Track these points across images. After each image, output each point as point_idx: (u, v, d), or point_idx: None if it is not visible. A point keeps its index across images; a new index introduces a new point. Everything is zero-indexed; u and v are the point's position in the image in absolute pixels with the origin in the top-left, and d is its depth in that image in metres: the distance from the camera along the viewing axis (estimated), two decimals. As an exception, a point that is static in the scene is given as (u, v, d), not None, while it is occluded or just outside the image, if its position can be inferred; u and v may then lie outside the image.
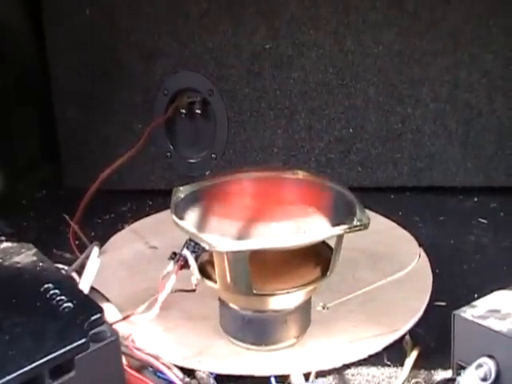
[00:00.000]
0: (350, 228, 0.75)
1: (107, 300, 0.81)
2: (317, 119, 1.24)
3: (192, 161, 1.27)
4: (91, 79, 1.25)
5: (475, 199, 1.22)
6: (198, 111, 1.25)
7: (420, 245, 1.04)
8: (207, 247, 0.73)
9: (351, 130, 1.24)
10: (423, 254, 1.01)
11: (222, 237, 0.74)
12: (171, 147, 1.27)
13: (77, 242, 1.06)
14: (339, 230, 0.75)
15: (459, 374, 0.67)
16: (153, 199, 1.24)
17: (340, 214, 0.78)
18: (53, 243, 1.05)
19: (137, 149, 1.17)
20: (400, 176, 1.24)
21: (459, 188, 1.24)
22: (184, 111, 1.26)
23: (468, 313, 0.69)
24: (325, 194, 0.83)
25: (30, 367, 0.57)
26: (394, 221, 1.12)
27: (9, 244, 0.77)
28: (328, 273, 0.79)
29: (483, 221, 1.14)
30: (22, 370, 0.57)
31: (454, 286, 0.94)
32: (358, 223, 0.76)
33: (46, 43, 1.24)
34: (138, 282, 0.93)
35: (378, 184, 1.25)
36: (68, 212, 1.12)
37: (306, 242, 0.75)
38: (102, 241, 1.05)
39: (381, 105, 1.23)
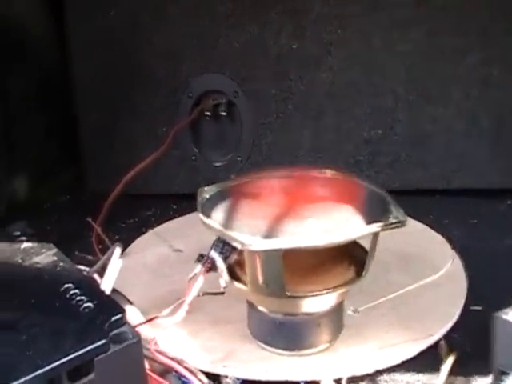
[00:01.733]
0: (386, 225, 0.72)
1: (130, 302, 0.79)
2: (345, 120, 1.21)
3: (217, 164, 1.25)
4: (114, 81, 1.23)
5: (508, 202, 1.18)
6: (224, 113, 1.23)
7: (453, 248, 1.00)
8: (239, 246, 0.69)
9: (380, 131, 1.21)
10: (456, 257, 0.97)
11: (252, 235, 0.70)
12: (196, 150, 1.25)
13: (100, 247, 1.03)
14: (376, 227, 0.72)
15: (501, 381, 0.63)
16: (177, 203, 1.22)
17: (375, 212, 0.74)
18: (75, 247, 1.03)
19: (161, 151, 1.15)
20: (430, 178, 1.21)
21: (492, 190, 1.19)
22: (209, 113, 1.23)
23: (510, 315, 0.65)
24: (357, 192, 0.79)
25: (47, 368, 0.54)
26: (424, 224, 1.08)
27: (29, 244, 0.75)
28: (363, 273, 0.76)
29: (518, 224, 1.10)
30: (38, 372, 0.54)
31: (489, 290, 0.91)
32: (395, 220, 0.72)
33: (70, 44, 1.22)
34: (162, 286, 0.91)
35: (408, 187, 1.21)
36: (91, 216, 1.11)
37: (344, 239, 0.71)
38: (126, 245, 1.03)
39: (410, 105, 1.19)
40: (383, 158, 1.21)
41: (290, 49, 1.20)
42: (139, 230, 1.13)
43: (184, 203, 1.20)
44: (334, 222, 0.72)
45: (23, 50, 1.20)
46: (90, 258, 0.98)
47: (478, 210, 1.16)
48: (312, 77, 1.20)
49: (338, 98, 1.21)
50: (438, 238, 1.03)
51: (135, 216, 1.20)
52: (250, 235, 0.70)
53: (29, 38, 1.22)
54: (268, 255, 0.70)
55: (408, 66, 1.18)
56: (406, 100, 1.20)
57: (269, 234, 0.71)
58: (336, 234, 0.71)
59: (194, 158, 1.25)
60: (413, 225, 1.06)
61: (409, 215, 1.05)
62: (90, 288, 0.66)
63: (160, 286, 0.91)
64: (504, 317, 0.65)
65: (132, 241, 1.08)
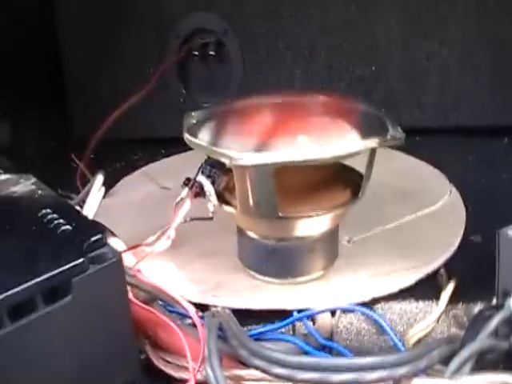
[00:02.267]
0: (383, 141, 0.68)
1: (113, 234, 0.75)
2: (337, 58, 1.17)
3: (206, 105, 1.20)
4: (99, 22, 1.19)
5: (505, 139, 1.15)
6: (212, 53, 1.19)
7: (450, 182, 0.97)
8: (228, 162, 0.65)
9: (373, 69, 1.17)
10: (454, 190, 0.94)
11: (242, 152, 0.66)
12: (184, 92, 1.21)
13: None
14: (373, 142, 0.68)
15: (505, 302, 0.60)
16: (166, 147, 1.18)
17: (371, 130, 0.70)
18: (59, 187, 0.98)
19: (146, 91, 1.11)
20: (425, 116, 1.17)
21: (488, 128, 1.15)
22: (197, 53, 1.19)
23: (516, 231, 0.62)
24: (352, 111, 0.75)
25: (18, 289, 0.51)
26: (421, 160, 1.05)
27: (7, 176, 0.71)
28: (360, 194, 0.72)
29: (516, 159, 1.07)
30: (8, 292, 0.50)
31: (488, 222, 0.86)
32: (392, 137, 0.68)
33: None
34: (148, 221, 0.86)
35: (402, 125, 1.16)
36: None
37: (340, 153, 0.67)
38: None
39: (405, 42, 1.16)
40: (377, 95, 1.18)
41: (280, -15, 1.15)
42: (126, 174, 1.09)
43: (172, 146, 1.16)
44: (329, 138, 0.68)
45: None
46: (73, 195, 0.94)
47: (475, 148, 1.13)
48: (304, 14, 1.16)
49: (330, 35, 1.17)
50: (434, 172, 1.00)
51: (122, 160, 1.16)
52: (239, 151, 0.66)
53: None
54: (259, 171, 0.66)
55: (403, 1, 1.14)
56: (400, 37, 1.16)
57: (259, 150, 0.66)
58: (333, 148, 0.66)
59: (182, 100, 1.21)
60: (408, 159, 1.03)
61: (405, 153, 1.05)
62: (69, 212, 0.63)
63: (146, 222, 0.87)
64: (509, 232, 0.61)
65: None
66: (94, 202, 0.72)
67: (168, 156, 1.14)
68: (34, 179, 0.70)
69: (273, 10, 1.16)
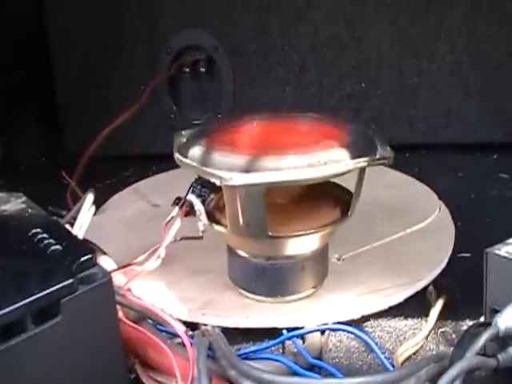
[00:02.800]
0: (372, 160, 0.68)
1: (103, 253, 0.75)
2: (327, 75, 1.18)
3: (197, 122, 1.21)
4: (91, 39, 1.19)
5: (495, 156, 1.15)
6: (203, 69, 1.19)
7: (439, 198, 0.97)
8: (218, 182, 0.66)
9: (364, 86, 1.17)
10: (443, 206, 0.94)
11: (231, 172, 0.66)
12: (175, 108, 1.21)
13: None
14: (362, 161, 0.68)
15: (493, 319, 0.60)
16: (156, 164, 1.18)
17: (360, 149, 0.71)
18: (50, 205, 0.98)
19: (137, 107, 1.11)
20: (415, 133, 1.18)
21: (478, 145, 1.16)
22: (188, 70, 1.19)
23: (502, 250, 0.62)
24: (342, 130, 0.75)
25: (8, 309, 0.51)
26: (411, 176, 1.05)
27: (-3, 194, 0.71)
28: (349, 213, 0.73)
29: (505, 176, 1.08)
30: (-1, 313, 0.50)
31: (477, 238, 0.87)
32: (381, 156, 0.69)
33: (44, 1, 1.17)
34: (139, 239, 0.87)
35: (392, 142, 1.16)
36: (68, 177, 1.06)
37: (330, 173, 0.67)
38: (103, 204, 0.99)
39: (395, 58, 1.17)
40: (367, 113, 1.18)
41: (270, 2, 1.16)
42: (117, 190, 1.09)
43: (163, 163, 1.15)
44: (319, 158, 0.68)
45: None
46: (63, 212, 0.94)
47: (464, 164, 1.14)
48: (294, 30, 1.17)
49: (320, 51, 1.17)
50: (424, 189, 1.01)
51: (113, 176, 1.16)
52: (228, 171, 0.66)
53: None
54: (249, 191, 0.67)
55: (392, 18, 1.15)
56: (390, 53, 1.16)
57: (249, 170, 0.66)
58: (322, 169, 0.67)
59: (172, 116, 1.22)
60: (398, 176, 1.04)
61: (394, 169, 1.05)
62: (59, 232, 0.63)
63: (136, 240, 0.87)
64: (496, 252, 0.62)
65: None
66: (84, 221, 0.72)
67: (159, 172, 1.14)
68: (24, 198, 0.70)
69: (263, 27, 1.17)
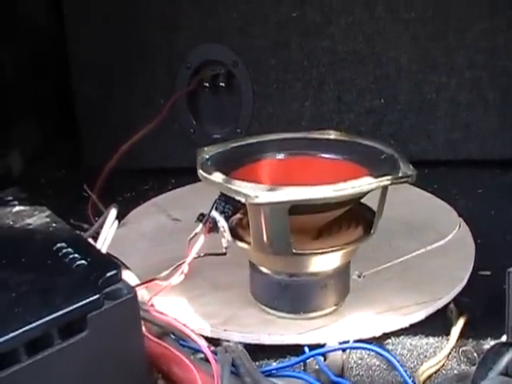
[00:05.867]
0: (395, 179, 0.69)
1: (126, 267, 0.75)
2: (347, 90, 1.18)
3: (216, 136, 1.21)
4: (111, 53, 1.20)
5: (514, 173, 1.15)
6: (222, 84, 1.20)
7: (459, 215, 0.97)
8: (243, 200, 0.66)
9: (383, 101, 1.18)
10: (463, 224, 0.94)
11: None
12: (194, 123, 1.22)
13: (96, 219, 1.00)
14: (385, 180, 0.69)
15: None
16: (175, 177, 1.19)
17: (383, 168, 0.71)
18: (71, 217, 0.99)
19: (157, 122, 1.12)
20: (434, 149, 1.18)
21: (497, 161, 1.16)
22: (207, 84, 1.20)
23: (525, 270, 0.62)
24: (364, 150, 0.76)
25: (35, 324, 0.51)
26: (430, 193, 1.05)
27: (21, 207, 0.72)
28: (372, 231, 0.73)
29: (525, 193, 1.07)
30: (26, 327, 0.51)
31: (497, 256, 0.88)
32: (403, 175, 0.69)
33: (64, 15, 1.19)
34: (160, 254, 0.87)
35: (411, 158, 1.15)
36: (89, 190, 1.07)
37: (354, 191, 0.67)
38: (124, 217, 1.00)
39: (414, 74, 1.17)
40: (386, 128, 1.19)
41: (290, 17, 1.16)
42: (137, 204, 1.09)
43: (182, 177, 1.16)
44: (343, 177, 0.68)
45: (15, 23, 1.17)
46: (85, 226, 0.95)
47: (484, 181, 1.14)
48: (313, 46, 1.17)
49: (339, 67, 1.17)
50: (443, 206, 1.01)
51: (133, 190, 1.17)
52: (253, 189, 0.67)
53: (21, 9, 1.19)
54: (273, 210, 0.67)
55: (412, 34, 1.15)
56: (409, 69, 1.17)
57: (273, 189, 0.67)
58: (346, 187, 0.67)
59: (192, 130, 1.22)
60: (417, 193, 1.04)
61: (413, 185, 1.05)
62: (84, 246, 0.63)
63: (157, 255, 0.88)
64: (518, 271, 0.62)
65: (129, 213, 1.04)
66: (107, 236, 0.72)
67: (178, 186, 1.14)
68: (48, 211, 0.71)
69: (282, 42, 1.17)
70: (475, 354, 0.70)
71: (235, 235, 0.73)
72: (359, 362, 0.70)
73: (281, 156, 0.80)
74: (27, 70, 1.21)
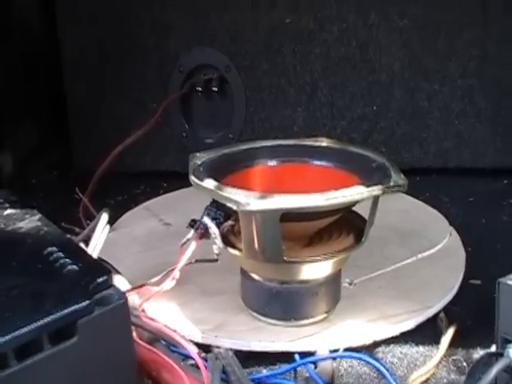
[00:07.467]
0: (387, 188, 0.69)
1: (117, 272, 0.75)
2: (339, 96, 1.18)
3: (208, 141, 1.21)
4: (103, 56, 1.20)
5: (505, 181, 1.16)
6: (215, 89, 1.19)
7: (450, 223, 0.97)
8: (235, 207, 0.66)
9: (375, 108, 1.18)
10: (454, 232, 0.94)
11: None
12: (187, 127, 1.22)
13: (88, 222, 1.00)
14: (376, 190, 0.69)
15: (505, 349, 0.60)
16: (167, 181, 1.18)
17: (374, 177, 0.71)
18: (62, 220, 0.99)
19: (150, 125, 1.12)
20: (426, 156, 1.18)
21: (489, 169, 1.16)
22: (200, 89, 1.20)
23: (515, 281, 0.62)
24: (355, 158, 0.76)
25: (25, 329, 0.51)
26: (421, 201, 1.05)
27: (12, 210, 0.72)
28: (363, 239, 0.73)
29: (516, 202, 1.08)
30: (16, 333, 0.51)
31: (488, 264, 0.88)
32: (395, 184, 0.69)
33: (56, 17, 1.18)
34: (151, 258, 0.87)
35: (403, 165, 1.16)
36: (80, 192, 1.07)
37: (343, 201, 0.67)
38: (115, 221, 1.00)
39: (406, 81, 1.17)
40: (378, 135, 1.19)
41: (283, 22, 1.16)
42: (128, 207, 1.09)
43: (174, 181, 1.16)
44: (333, 187, 0.68)
45: (7, 24, 1.17)
46: (76, 229, 0.95)
47: (475, 189, 1.14)
48: (306, 52, 1.18)
49: (332, 73, 1.18)
50: (435, 214, 1.01)
51: (124, 193, 1.17)
52: (245, 196, 0.66)
53: (13, 11, 1.18)
54: (265, 217, 0.67)
55: (404, 41, 1.15)
56: (401, 76, 1.17)
57: (265, 196, 0.67)
58: (337, 194, 0.67)
59: (184, 134, 1.22)
60: (409, 201, 1.04)
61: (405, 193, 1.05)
62: (75, 251, 0.63)
63: (149, 259, 0.88)
64: (509, 282, 0.62)
65: (121, 217, 1.04)
66: (98, 241, 0.72)
67: (169, 190, 1.14)
68: (39, 215, 0.71)
69: (275, 48, 1.17)
70: (465, 363, 0.70)
71: (227, 242, 0.73)
72: (349, 370, 0.70)
73: (273, 163, 0.80)
74: (19, 72, 1.20)
